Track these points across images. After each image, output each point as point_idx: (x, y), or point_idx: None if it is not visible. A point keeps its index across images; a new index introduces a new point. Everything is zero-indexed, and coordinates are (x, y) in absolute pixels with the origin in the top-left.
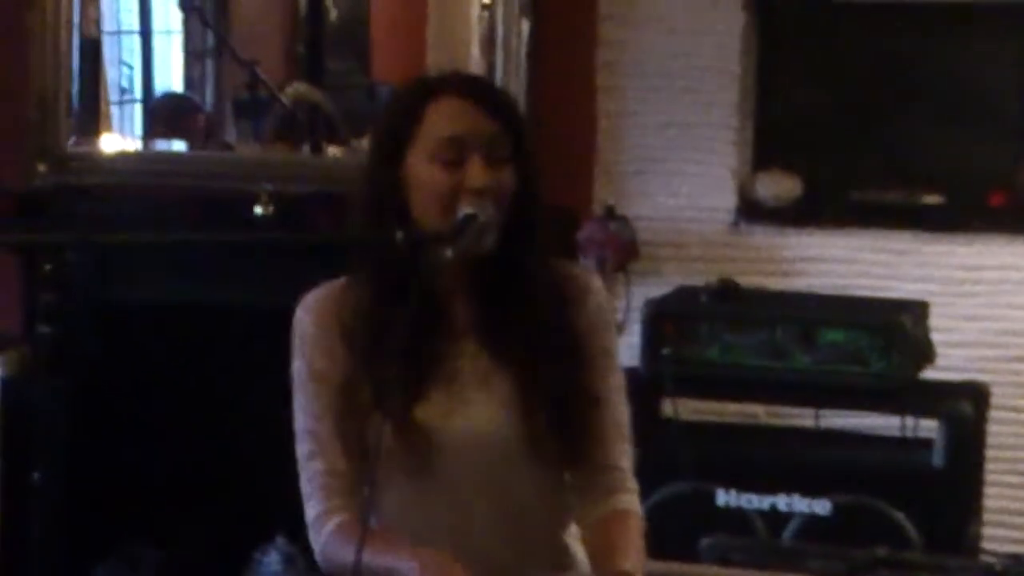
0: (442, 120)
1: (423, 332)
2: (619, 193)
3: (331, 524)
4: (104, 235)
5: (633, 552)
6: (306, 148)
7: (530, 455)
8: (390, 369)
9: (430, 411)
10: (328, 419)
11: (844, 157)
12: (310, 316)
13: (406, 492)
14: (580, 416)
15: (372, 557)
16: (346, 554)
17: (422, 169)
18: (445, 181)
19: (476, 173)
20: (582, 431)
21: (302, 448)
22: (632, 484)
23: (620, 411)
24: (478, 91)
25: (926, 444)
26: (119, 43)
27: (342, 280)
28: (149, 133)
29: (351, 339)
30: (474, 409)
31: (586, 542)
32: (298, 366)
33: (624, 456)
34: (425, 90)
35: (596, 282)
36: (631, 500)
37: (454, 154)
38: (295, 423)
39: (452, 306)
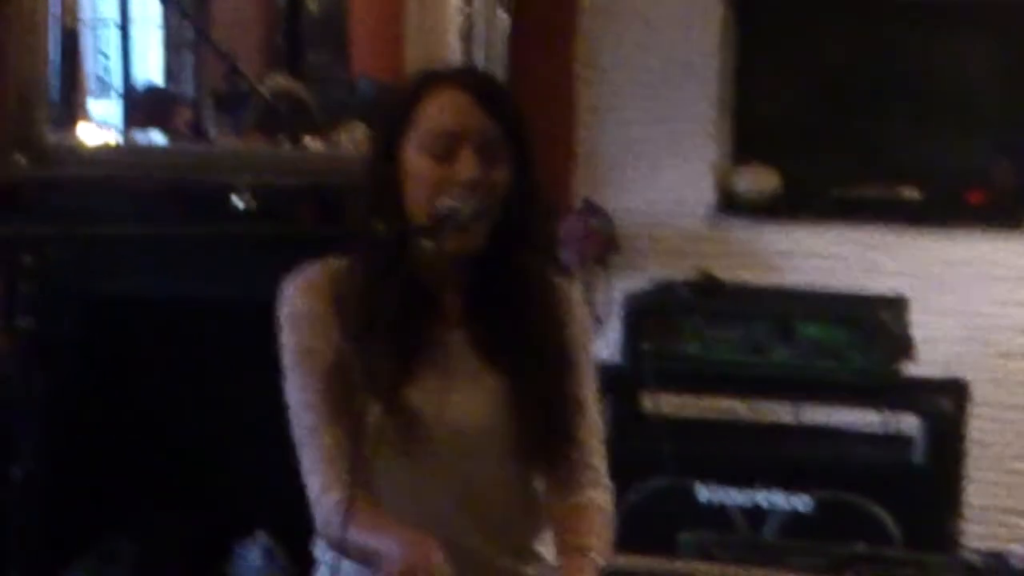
0: (437, 111)
1: (413, 318)
2: (598, 186)
3: (332, 500)
4: (84, 228)
5: (596, 537)
6: (286, 141)
7: (511, 453)
8: (380, 350)
9: (419, 394)
10: (327, 394)
11: (823, 152)
12: (301, 294)
13: (393, 471)
14: (564, 419)
15: (359, 536)
16: (348, 533)
17: (414, 159)
18: (434, 173)
19: (467, 165)
20: (564, 433)
21: (302, 422)
22: (606, 482)
23: (595, 414)
24: (479, 86)
25: (906, 440)
26: (97, 34)
27: (333, 260)
28: (129, 125)
29: (343, 318)
30: (462, 399)
31: (554, 533)
32: (290, 344)
33: (599, 456)
34: (426, 79)
35: (577, 291)
36: (602, 496)
37: (446, 147)
38: (289, 400)
39: (443, 297)
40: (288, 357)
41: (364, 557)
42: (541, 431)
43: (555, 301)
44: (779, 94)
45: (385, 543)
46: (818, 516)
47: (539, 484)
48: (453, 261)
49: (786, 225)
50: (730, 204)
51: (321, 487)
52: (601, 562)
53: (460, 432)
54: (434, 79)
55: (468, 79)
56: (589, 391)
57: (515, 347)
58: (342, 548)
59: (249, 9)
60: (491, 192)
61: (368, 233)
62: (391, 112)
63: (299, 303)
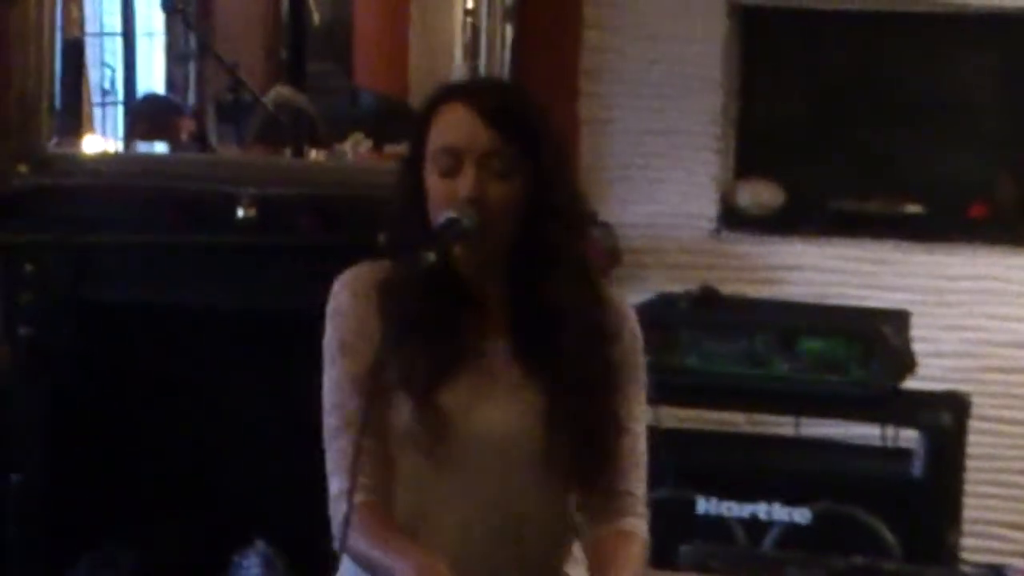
0: (442, 129)
1: (454, 323)
2: (601, 200)
3: (344, 506)
4: (85, 236)
5: (629, 570)
6: (288, 151)
7: (543, 469)
8: (419, 351)
9: (453, 399)
10: (356, 395)
11: (825, 166)
12: (347, 291)
13: (420, 476)
14: (602, 441)
15: (372, 550)
16: (357, 540)
17: (429, 176)
18: (440, 190)
19: (465, 183)
20: (602, 456)
21: (329, 422)
22: (642, 510)
23: (640, 440)
24: (483, 99)
25: (906, 454)
26: (101, 44)
27: (384, 262)
28: (131, 135)
29: (386, 318)
30: (498, 409)
31: (588, 560)
32: (330, 339)
33: (638, 483)
34: (436, 97)
35: (631, 310)
36: (638, 524)
37: (450, 164)
38: (324, 396)
39: (489, 306)
40: (328, 352)
41: (372, 569)
42: (574, 449)
43: (606, 317)
44: (782, 108)
45: (396, 563)
46: (817, 529)
47: (573, 506)
48: (493, 270)
49: (788, 239)
50: (732, 218)
51: (337, 492)
52: None
53: (490, 442)
54: (443, 95)
55: (475, 94)
56: (634, 414)
57: (557, 361)
58: (352, 556)
59: (252, 20)
60: (494, 208)
61: (367, 244)
62: (413, 130)
63: (344, 299)
